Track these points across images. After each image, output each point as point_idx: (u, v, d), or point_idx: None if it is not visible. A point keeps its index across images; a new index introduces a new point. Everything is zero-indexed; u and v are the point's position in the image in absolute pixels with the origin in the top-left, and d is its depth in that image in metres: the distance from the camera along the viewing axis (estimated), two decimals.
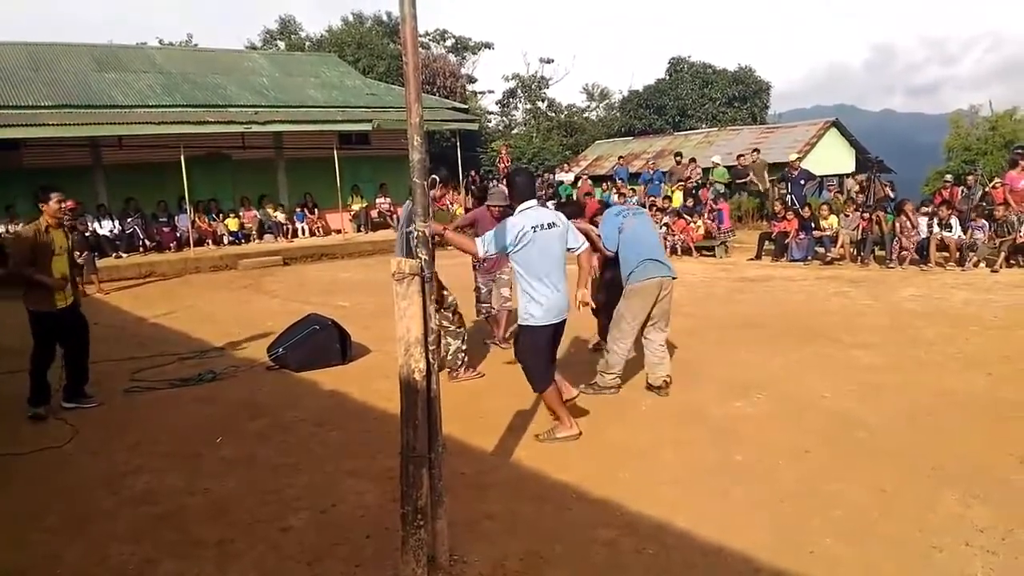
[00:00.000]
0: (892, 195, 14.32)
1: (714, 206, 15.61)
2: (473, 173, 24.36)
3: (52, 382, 6.06)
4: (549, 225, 4.72)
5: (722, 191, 17.86)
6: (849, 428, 4.99)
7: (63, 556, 3.74)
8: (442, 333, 6.42)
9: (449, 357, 6.47)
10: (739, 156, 19.28)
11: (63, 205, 5.97)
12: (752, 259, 14.08)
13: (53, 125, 15.82)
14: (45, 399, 6.01)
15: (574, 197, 18.48)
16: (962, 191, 14.07)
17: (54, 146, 16.78)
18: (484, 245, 4.66)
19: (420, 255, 3.24)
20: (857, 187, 15.68)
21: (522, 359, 4.97)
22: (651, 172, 19.66)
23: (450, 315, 6.42)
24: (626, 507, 3.96)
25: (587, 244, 4.99)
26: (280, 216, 18.92)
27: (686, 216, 15.47)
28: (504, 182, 6.65)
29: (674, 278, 5.77)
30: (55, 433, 5.58)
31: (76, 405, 6.15)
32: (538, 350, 4.86)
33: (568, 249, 4.85)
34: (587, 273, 5.03)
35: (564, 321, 4.91)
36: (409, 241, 5.56)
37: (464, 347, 6.55)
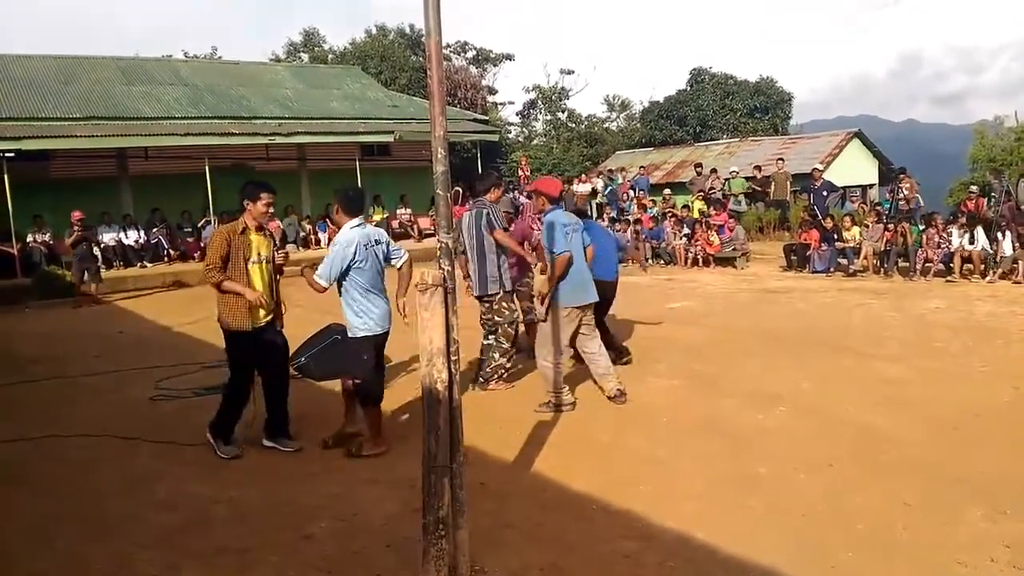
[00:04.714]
0: (919, 204, 14.16)
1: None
2: None
3: (244, 414, 5.27)
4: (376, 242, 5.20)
5: (741, 201, 17.78)
6: (873, 441, 4.94)
7: (87, 560, 3.80)
8: (493, 344, 6.47)
9: (489, 369, 6.51)
10: (756, 167, 19.17)
11: (270, 209, 5.10)
12: (783, 268, 13.87)
13: (82, 137, 16.13)
14: (225, 433, 5.19)
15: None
16: (988, 200, 13.91)
17: (82, 157, 17.14)
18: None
19: (443, 267, 3.26)
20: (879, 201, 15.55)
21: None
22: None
23: (505, 326, 6.46)
24: (647, 519, 3.95)
25: (407, 257, 5.38)
26: (306, 225, 19.11)
27: (704, 226, 15.37)
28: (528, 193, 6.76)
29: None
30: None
31: (274, 445, 5.23)
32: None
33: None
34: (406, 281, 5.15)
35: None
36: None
37: (508, 365, 6.60)
